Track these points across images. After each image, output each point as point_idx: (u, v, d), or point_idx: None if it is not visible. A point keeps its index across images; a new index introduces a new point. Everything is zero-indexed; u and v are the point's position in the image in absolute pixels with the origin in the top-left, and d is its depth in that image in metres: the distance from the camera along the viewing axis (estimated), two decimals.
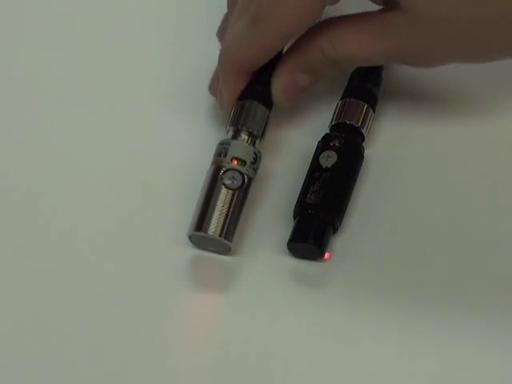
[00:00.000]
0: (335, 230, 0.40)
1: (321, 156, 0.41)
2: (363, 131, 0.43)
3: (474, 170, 0.44)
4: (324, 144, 0.42)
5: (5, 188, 0.44)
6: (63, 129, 0.46)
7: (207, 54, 0.45)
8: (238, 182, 0.40)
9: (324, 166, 0.41)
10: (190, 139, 0.45)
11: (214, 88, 0.44)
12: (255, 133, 0.42)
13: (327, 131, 0.43)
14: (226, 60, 0.42)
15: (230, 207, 0.40)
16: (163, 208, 0.43)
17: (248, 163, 0.41)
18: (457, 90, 0.46)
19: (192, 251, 0.41)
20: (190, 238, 0.41)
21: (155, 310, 0.40)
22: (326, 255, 0.40)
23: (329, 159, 0.41)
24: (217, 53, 0.43)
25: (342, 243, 0.41)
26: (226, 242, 0.40)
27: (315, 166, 0.41)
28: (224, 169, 0.40)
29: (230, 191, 0.40)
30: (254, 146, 0.42)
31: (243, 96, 0.42)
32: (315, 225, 0.39)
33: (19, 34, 0.49)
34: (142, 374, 0.38)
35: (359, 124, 0.43)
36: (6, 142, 0.45)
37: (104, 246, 0.42)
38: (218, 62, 0.43)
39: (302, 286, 0.41)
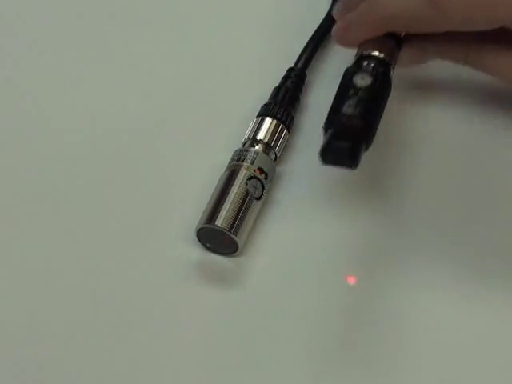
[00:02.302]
0: (366, 147, 0.39)
1: (355, 77, 0.40)
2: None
3: (475, 169, 0.45)
4: (357, 67, 0.41)
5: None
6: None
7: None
8: (258, 193, 0.41)
9: (359, 85, 0.40)
10: (201, 140, 0.45)
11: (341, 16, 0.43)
12: (278, 154, 0.43)
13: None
14: (375, 7, 0.41)
15: (246, 210, 0.40)
16: (169, 207, 0.43)
17: (268, 178, 0.42)
18: (457, 90, 0.47)
19: (192, 252, 0.41)
20: (198, 233, 0.40)
21: (154, 309, 0.40)
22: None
23: (363, 80, 0.40)
24: None
25: (343, 240, 0.41)
26: (234, 237, 0.39)
27: (349, 85, 0.40)
28: (251, 175, 0.41)
29: (251, 197, 0.40)
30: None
31: (278, 117, 0.44)
32: (352, 133, 0.38)
33: None
34: (145, 371, 0.38)
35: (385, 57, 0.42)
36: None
37: (108, 243, 0.41)
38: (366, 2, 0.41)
39: (301, 285, 0.40)
